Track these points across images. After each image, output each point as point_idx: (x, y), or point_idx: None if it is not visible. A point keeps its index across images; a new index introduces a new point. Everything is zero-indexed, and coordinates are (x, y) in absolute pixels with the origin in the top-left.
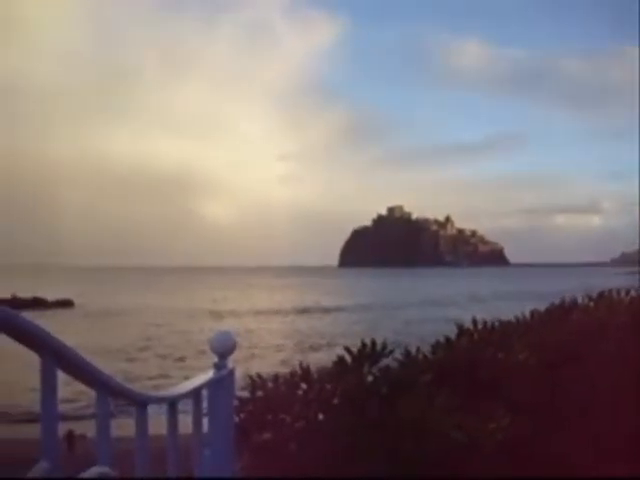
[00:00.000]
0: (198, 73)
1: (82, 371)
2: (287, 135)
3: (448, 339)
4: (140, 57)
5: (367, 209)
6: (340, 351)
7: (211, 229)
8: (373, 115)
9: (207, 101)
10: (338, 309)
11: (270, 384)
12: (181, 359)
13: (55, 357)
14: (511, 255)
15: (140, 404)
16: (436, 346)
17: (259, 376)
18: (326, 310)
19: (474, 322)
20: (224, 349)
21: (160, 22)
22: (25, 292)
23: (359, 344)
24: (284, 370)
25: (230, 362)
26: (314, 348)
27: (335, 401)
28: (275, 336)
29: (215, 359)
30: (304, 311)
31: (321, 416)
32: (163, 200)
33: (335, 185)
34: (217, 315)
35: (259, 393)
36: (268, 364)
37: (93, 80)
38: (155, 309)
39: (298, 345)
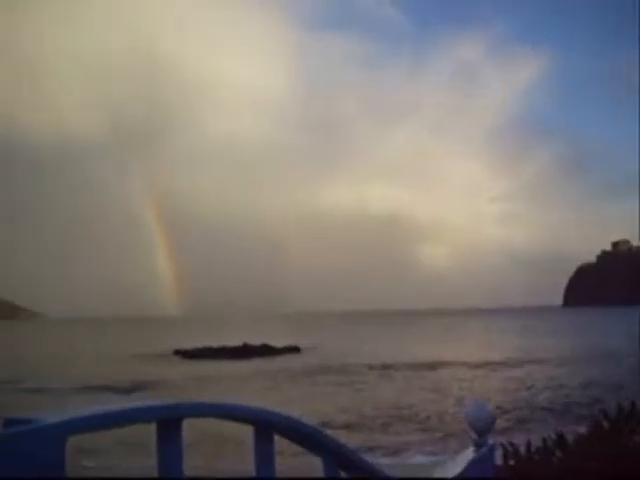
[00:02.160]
0: (406, 119)
1: (359, 469)
2: (499, 175)
3: None
4: (348, 107)
5: (589, 245)
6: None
7: (427, 272)
8: (587, 147)
9: (417, 146)
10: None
11: (523, 452)
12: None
13: (334, 457)
14: None
15: None
16: None
17: (511, 444)
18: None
19: None
20: (482, 425)
21: (365, 71)
22: (255, 339)
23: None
24: None
25: (490, 437)
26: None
27: (594, 469)
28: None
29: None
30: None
31: None
32: (379, 245)
33: (552, 222)
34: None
35: (511, 462)
36: None
37: (304, 132)
38: (382, 355)
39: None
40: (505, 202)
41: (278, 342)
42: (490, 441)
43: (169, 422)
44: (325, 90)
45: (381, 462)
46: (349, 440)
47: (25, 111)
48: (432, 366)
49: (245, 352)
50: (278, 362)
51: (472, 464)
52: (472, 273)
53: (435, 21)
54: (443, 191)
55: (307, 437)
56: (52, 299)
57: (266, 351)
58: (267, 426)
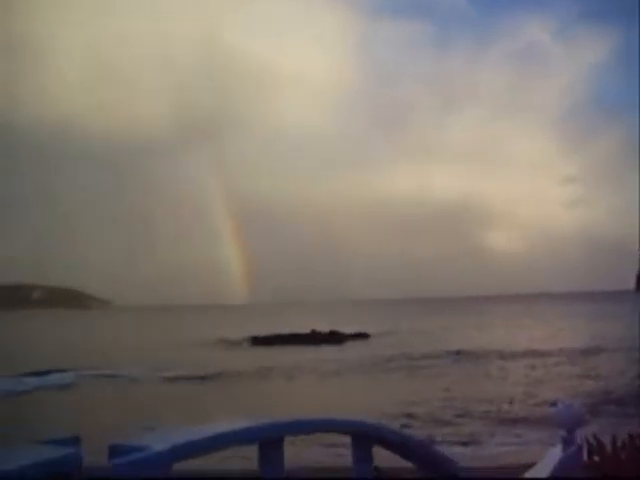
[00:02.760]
0: (471, 104)
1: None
2: (568, 158)
3: None
4: (412, 92)
5: None
6: None
7: (494, 258)
8: None
9: (482, 131)
10: None
11: (609, 448)
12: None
13: (430, 467)
14: None
15: None
16: None
17: (596, 438)
18: None
19: None
20: (571, 422)
21: (429, 54)
22: (323, 326)
23: None
24: None
25: (578, 436)
26: None
27: None
28: None
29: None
30: None
31: None
32: (444, 232)
33: (623, 203)
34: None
35: (596, 458)
36: None
37: (367, 119)
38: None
39: None
40: (575, 184)
41: (346, 329)
42: (578, 439)
43: (271, 442)
44: (388, 75)
45: (457, 452)
46: (419, 430)
47: (97, 108)
48: (502, 354)
49: (314, 339)
50: (346, 349)
51: (561, 463)
52: (541, 257)
53: (499, 1)
54: (510, 174)
55: (405, 447)
56: (122, 288)
57: (334, 338)
58: (365, 437)
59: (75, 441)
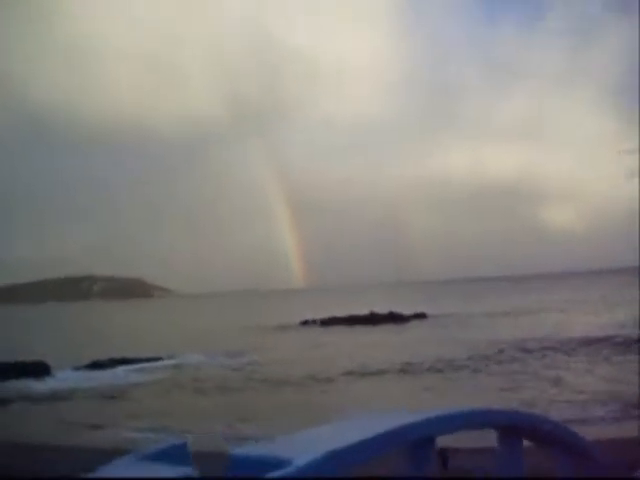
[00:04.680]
0: (526, 76)
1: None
2: (628, 128)
3: None
4: (463, 68)
5: None
6: None
7: (555, 233)
8: None
9: (539, 103)
10: None
11: None
12: None
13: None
14: None
15: None
16: None
17: None
18: None
19: None
20: None
21: (479, 31)
22: (382, 308)
23: None
24: None
25: None
26: None
27: None
28: None
29: None
30: None
31: None
32: (503, 208)
33: None
34: None
35: None
36: None
37: (421, 98)
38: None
39: None
40: (634, 155)
41: (405, 309)
42: None
43: (422, 442)
44: (438, 52)
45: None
46: None
47: (155, 100)
48: (569, 342)
49: (372, 320)
50: (406, 329)
51: None
52: (603, 230)
53: None
54: (570, 149)
55: (555, 439)
56: (183, 277)
57: (393, 319)
58: (516, 430)
59: (184, 450)
